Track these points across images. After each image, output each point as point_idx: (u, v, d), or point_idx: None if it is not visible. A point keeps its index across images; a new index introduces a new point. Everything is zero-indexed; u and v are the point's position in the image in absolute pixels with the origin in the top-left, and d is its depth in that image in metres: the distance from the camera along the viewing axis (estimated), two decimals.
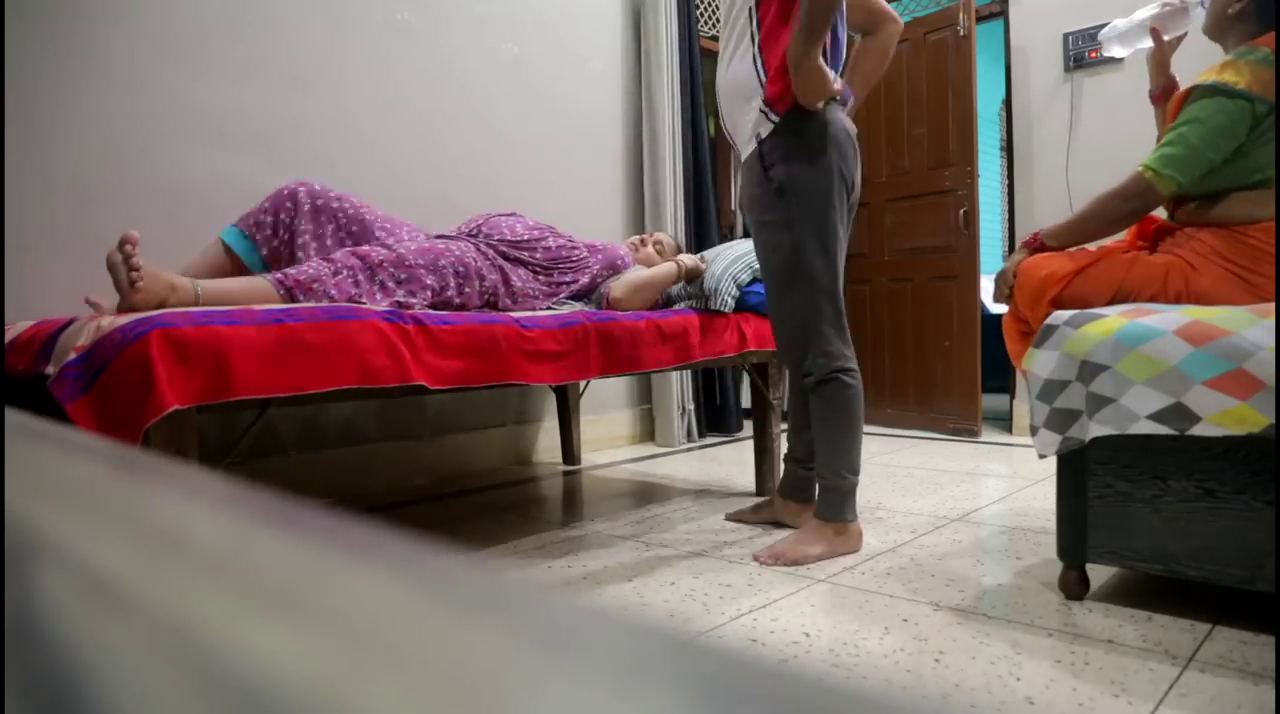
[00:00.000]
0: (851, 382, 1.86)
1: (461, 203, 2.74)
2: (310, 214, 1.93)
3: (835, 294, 1.83)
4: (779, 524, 2.08)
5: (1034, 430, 1.50)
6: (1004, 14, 3.74)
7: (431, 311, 1.74)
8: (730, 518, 2.15)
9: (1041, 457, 1.49)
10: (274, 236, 1.93)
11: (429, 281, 1.88)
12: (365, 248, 1.86)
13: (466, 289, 1.97)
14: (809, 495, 2.03)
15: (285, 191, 1.95)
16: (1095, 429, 1.39)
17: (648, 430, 3.54)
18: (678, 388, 3.43)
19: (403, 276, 1.84)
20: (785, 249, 1.80)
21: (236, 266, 1.93)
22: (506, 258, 2.12)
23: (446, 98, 2.82)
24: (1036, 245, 1.77)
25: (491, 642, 0.14)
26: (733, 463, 2.96)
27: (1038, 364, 1.48)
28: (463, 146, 2.87)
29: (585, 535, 2.03)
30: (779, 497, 2.11)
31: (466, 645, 0.14)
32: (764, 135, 1.78)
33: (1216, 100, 1.56)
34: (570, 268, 2.26)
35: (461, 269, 1.97)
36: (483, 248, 2.09)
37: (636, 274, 2.25)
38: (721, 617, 1.46)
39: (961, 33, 3.60)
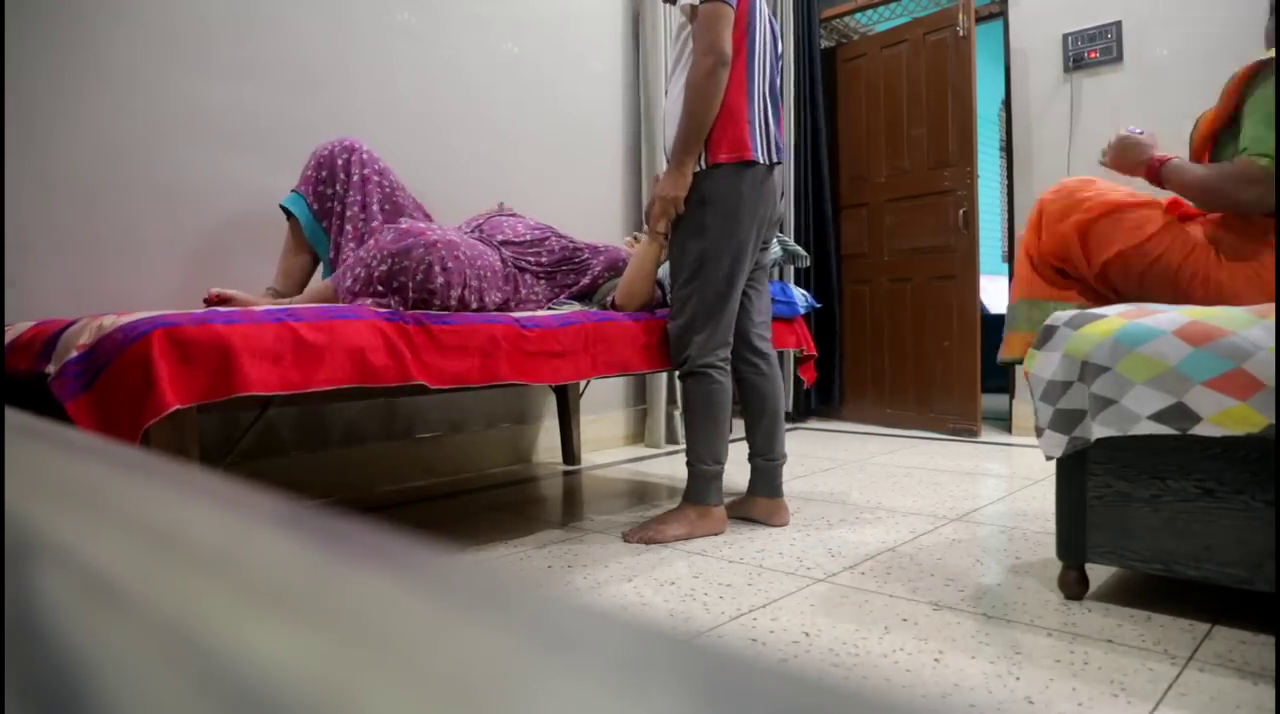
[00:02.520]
0: (721, 378, 1.99)
1: (463, 202, 2.74)
2: (359, 184, 1.99)
3: (727, 298, 1.96)
4: (749, 519, 2.13)
5: (1039, 432, 1.49)
6: (1003, 14, 3.74)
7: (431, 312, 1.74)
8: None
9: (1049, 458, 1.49)
10: (325, 197, 2.01)
11: (466, 272, 1.86)
12: (421, 226, 1.86)
13: (485, 299, 1.95)
14: (775, 489, 2.12)
15: (335, 153, 2.00)
16: (1098, 430, 1.39)
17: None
18: (666, 388, 3.43)
19: (447, 259, 1.82)
20: (693, 252, 1.95)
21: (296, 229, 2.02)
22: (516, 266, 2.12)
23: (448, 98, 2.82)
24: (1155, 169, 1.69)
25: (491, 642, 0.14)
26: (731, 462, 2.96)
27: (1039, 365, 1.48)
28: (464, 147, 2.87)
29: (585, 535, 2.03)
30: (748, 493, 2.16)
31: (466, 645, 0.14)
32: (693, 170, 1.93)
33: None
34: (572, 270, 2.26)
35: (489, 274, 1.95)
36: (504, 255, 2.08)
37: (625, 272, 2.27)
38: (721, 617, 1.46)
39: (961, 33, 3.60)
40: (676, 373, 2.07)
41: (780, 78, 2.12)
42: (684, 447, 2.10)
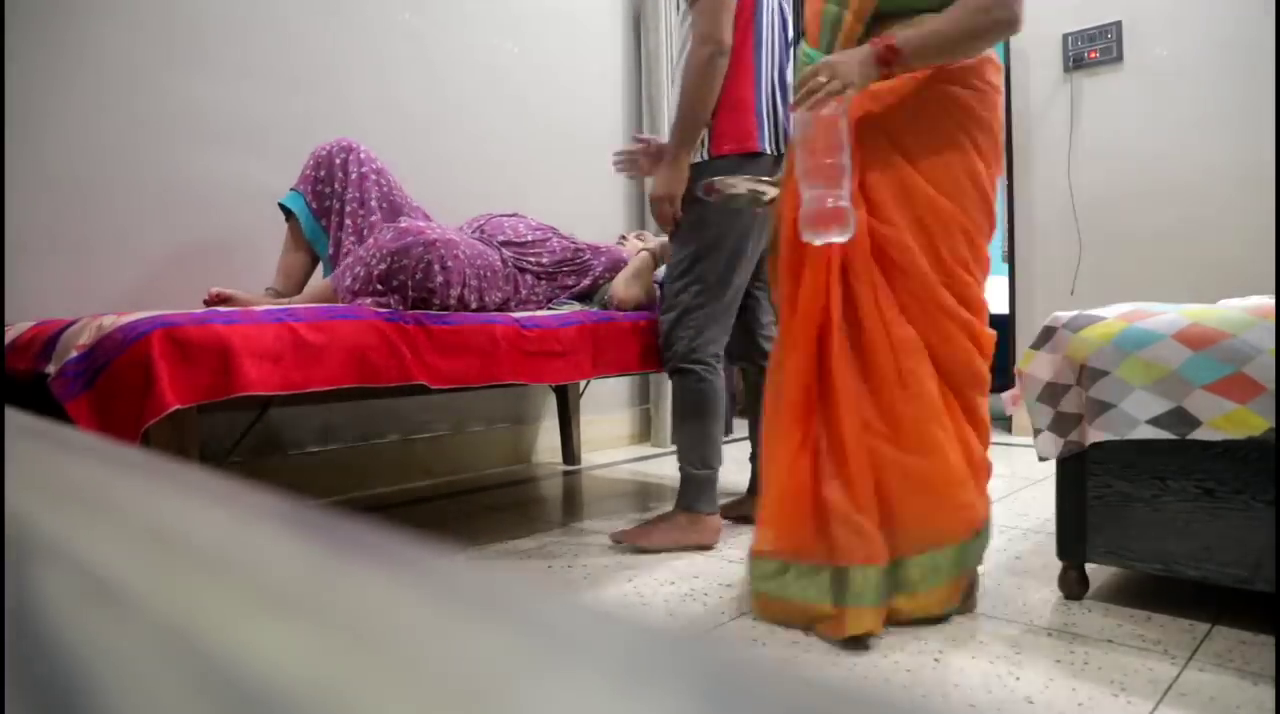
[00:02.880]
0: (709, 376, 1.91)
1: (463, 202, 2.74)
2: (357, 182, 1.98)
3: (721, 296, 1.91)
4: (748, 519, 2.02)
5: (1036, 432, 1.49)
6: None
7: (431, 312, 1.74)
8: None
9: (1043, 459, 1.49)
10: (323, 196, 2.00)
11: (466, 271, 1.86)
12: (420, 224, 1.86)
13: (485, 299, 1.95)
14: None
15: (333, 153, 2.00)
16: (1095, 435, 1.39)
17: (648, 430, 3.54)
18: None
19: (447, 258, 1.82)
20: (690, 247, 1.89)
21: (295, 228, 2.01)
22: (516, 266, 2.12)
23: (448, 98, 2.82)
24: (887, 54, 1.30)
25: (491, 642, 0.14)
26: (731, 462, 2.96)
27: (1036, 366, 1.48)
28: (464, 146, 2.87)
29: (585, 535, 2.03)
30: (748, 492, 2.16)
31: (466, 645, 0.14)
32: (694, 159, 1.87)
33: None
34: (573, 271, 2.25)
35: (489, 274, 1.95)
36: (504, 255, 2.08)
37: (627, 268, 2.27)
38: (721, 617, 1.46)
39: None
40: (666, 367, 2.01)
41: (792, 64, 2.08)
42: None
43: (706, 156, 1.86)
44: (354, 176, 1.98)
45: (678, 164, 1.84)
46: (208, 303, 1.78)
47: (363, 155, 2.01)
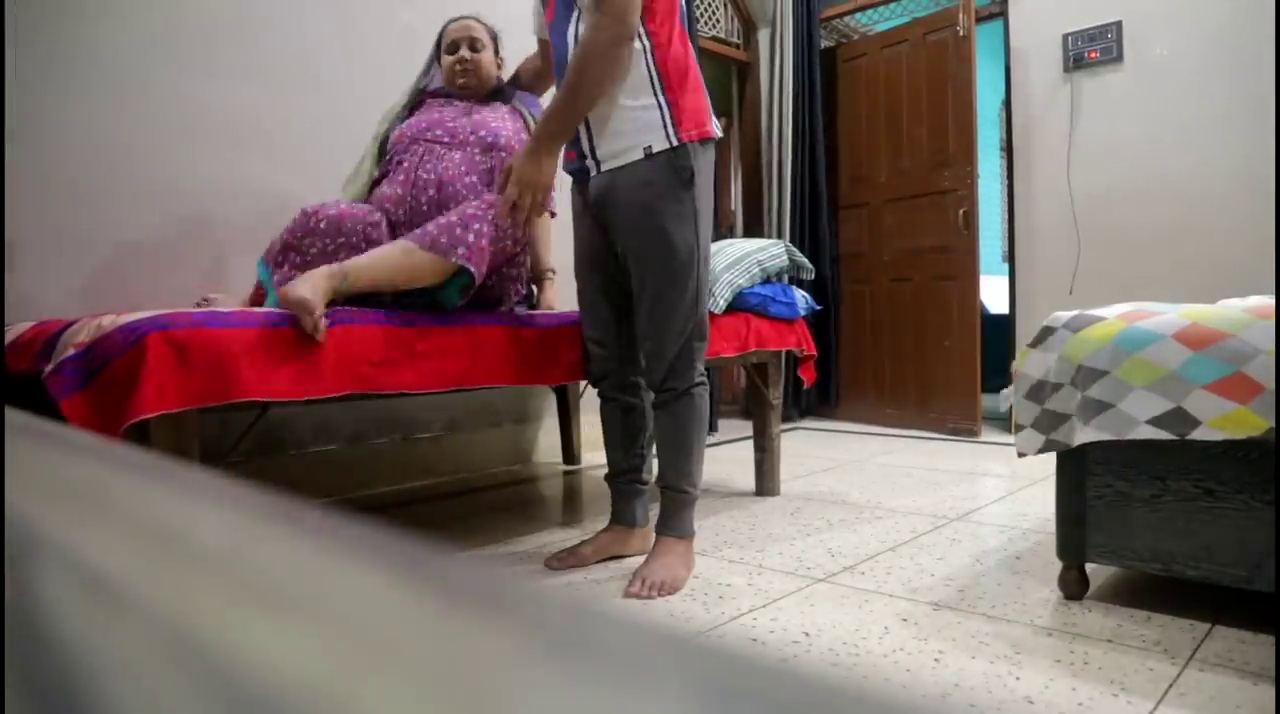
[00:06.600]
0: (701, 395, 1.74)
1: None
2: (321, 232, 1.76)
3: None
4: (618, 557, 1.81)
5: (1018, 428, 1.50)
6: (1003, 14, 3.75)
7: (430, 314, 1.73)
8: (554, 564, 1.77)
9: (1021, 455, 1.49)
10: (284, 261, 1.77)
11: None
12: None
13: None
14: (641, 518, 1.84)
15: (298, 220, 1.79)
16: (1093, 435, 1.39)
17: None
18: None
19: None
20: (686, 247, 1.67)
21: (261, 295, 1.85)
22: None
23: None
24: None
25: (491, 642, 0.14)
26: (731, 462, 2.97)
27: (1030, 364, 1.49)
28: None
29: (585, 535, 2.03)
30: (616, 526, 1.84)
31: (466, 645, 0.14)
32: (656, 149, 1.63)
33: None
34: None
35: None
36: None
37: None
38: (721, 617, 1.46)
39: (961, 33, 3.60)
40: (666, 394, 1.72)
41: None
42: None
43: (675, 141, 1.61)
44: (321, 227, 1.77)
45: (551, 154, 1.62)
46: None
47: (330, 213, 1.79)
